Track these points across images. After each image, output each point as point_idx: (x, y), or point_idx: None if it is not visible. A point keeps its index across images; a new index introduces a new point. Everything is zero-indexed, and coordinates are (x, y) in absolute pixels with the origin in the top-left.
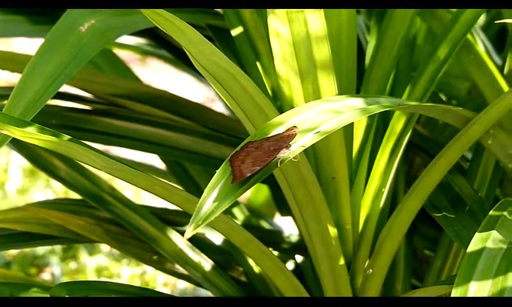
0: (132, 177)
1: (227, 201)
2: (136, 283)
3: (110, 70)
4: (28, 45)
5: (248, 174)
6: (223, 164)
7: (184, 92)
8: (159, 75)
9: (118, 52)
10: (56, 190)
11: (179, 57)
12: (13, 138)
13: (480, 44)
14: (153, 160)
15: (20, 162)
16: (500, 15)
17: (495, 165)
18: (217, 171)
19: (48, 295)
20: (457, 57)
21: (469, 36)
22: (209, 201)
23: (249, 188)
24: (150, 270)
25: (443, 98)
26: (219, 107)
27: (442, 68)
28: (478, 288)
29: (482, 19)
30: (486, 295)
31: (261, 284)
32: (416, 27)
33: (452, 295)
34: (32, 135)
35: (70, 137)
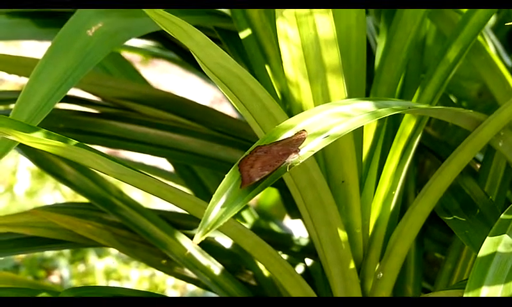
0: (140, 182)
1: (236, 207)
2: (145, 285)
3: (118, 73)
4: (36, 48)
5: (257, 179)
6: (232, 168)
7: (192, 93)
8: (167, 76)
9: (126, 53)
10: (64, 192)
11: (187, 59)
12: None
13: (491, 45)
14: (163, 163)
15: (28, 164)
16: (510, 16)
17: (506, 167)
18: (226, 175)
19: None
20: (468, 59)
21: (479, 38)
22: (218, 206)
23: (258, 193)
24: (159, 272)
25: (454, 100)
26: (227, 107)
27: (452, 70)
28: (489, 293)
29: (492, 20)
30: None
31: (271, 288)
32: (426, 29)
33: None
34: (39, 140)
35: (77, 141)
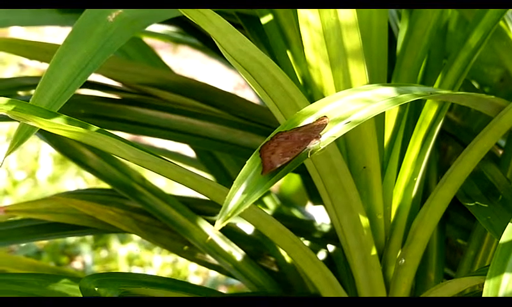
0: (161, 168)
1: (257, 193)
2: (168, 271)
3: (139, 59)
4: (58, 33)
5: (278, 165)
6: (253, 154)
7: (214, 78)
8: (189, 61)
9: (147, 39)
10: (87, 178)
11: (209, 45)
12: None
13: None
14: (186, 149)
15: (50, 150)
16: None
17: None
18: (247, 162)
19: (78, 287)
20: (490, 45)
21: (501, 23)
22: (238, 192)
23: (279, 179)
24: (181, 259)
25: (476, 85)
26: (250, 93)
27: (474, 56)
28: (511, 280)
29: None
30: None
31: (293, 274)
32: (448, 15)
33: (484, 287)
34: (59, 126)
35: (97, 127)
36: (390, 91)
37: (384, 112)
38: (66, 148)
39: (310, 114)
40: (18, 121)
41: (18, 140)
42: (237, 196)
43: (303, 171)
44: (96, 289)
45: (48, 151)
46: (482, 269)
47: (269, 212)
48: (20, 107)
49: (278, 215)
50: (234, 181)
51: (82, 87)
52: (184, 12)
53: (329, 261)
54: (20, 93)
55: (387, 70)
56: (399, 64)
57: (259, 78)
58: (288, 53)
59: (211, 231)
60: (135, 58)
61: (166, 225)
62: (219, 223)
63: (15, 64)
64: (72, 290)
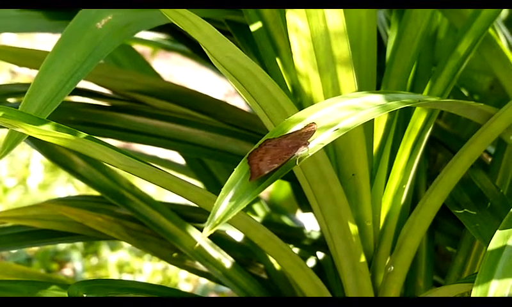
0: (149, 174)
1: (245, 200)
2: (158, 278)
3: (129, 66)
4: (50, 40)
5: (266, 172)
6: (241, 162)
7: (205, 85)
8: (180, 69)
9: (138, 46)
10: (77, 185)
11: (199, 52)
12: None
13: (503, 38)
14: (176, 157)
15: (41, 157)
16: None
17: None
18: (235, 169)
19: (67, 293)
20: (479, 52)
21: (491, 30)
22: (226, 200)
23: (267, 186)
24: (172, 266)
25: (465, 93)
26: (240, 100)
27: (463, 63)
28: (499, 287)
29: (504, 13)
30: (506, 295)
31: (282, 281)
32: (437, 22)
33: (472, 294)
34: (48, 132)
35: (86, 134)
36: (378, 98)
37: (373, 119)
38: (55, 155)
39: (299, 121)
40: (7, 128)
41: (7, 147)
42: (224, 203)
43: (292, 179)
44: (84, 296)
45: (39, 159)
46: (470, 276)
47: (258, 219)
48: (8, 113)
49: (267, 222)
50: (222, 189)
51: (71, 94)
52: (172, 19)
53: (319, 268)
54: (10, 100)
55: (376, 77)
56: (388, 72)
57: (248, 86)
58: (278, 60)
59: (200, 238)
60: (125, 65)
61: (155, 232)
62: (207, 230)
63: (6, 72)
64: (60, 296)
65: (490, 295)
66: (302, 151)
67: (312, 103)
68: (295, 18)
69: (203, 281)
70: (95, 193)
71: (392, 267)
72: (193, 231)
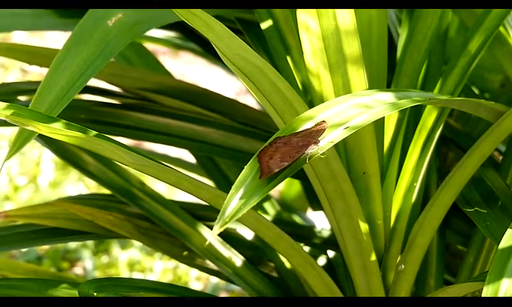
0: (160, 173)
1: (255, 198)
2: (169, 277)
3: (140, 64)
4: (60, 38)
5: (276, 170)
6: (251, 160)
7: (217, 84)
8: (191, 67)
9: (149, 45)
10: (88, 184)
11: (210, 50)
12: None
13: None
14: (187, 155)
15: (52, 155)
16: None
17: None
18: (245, 167)
19: (77, 292)
20: (490, 50)
21: (501, 29)
22: (236, 198)
23: (277, 184)
24: (182, 264)
25: (476, 91)
26: (251, 99)
27: (474, 61)
28: (510, 286)
29: None
30: None
31: (292, 280)
32: (448, 20)
33: (483, 293)
34: (58, 130)
35: (96, 132)
36: (389, 96)
37: (383, 117)
38: (66, 153)
39: (309, 119)
40: (18, 126)
41: (18, 145)
42: (234, 201)
43: (303, 177)
44: (95, 294)
45: (49, 157)
46: (481, 275)
47: (269, 217)
48: (18, 111)
49: (278, 220)
50: (232, 187)
51: (82, 92)
52: (183, 18)
53: (329, 266)
54: (21, 97)
55: (387, 75)
56: (398, 70)
57: (258, 84)
58: (288, 59)
59: (211, 236)
60: (136, 64)
61: (166, 230)
62: (217, 228)
63: (17, 70)
64: (71, 295)
65: (501, 293)
66: (312, 150)
67: (322, 101)
68: (306, 16)
69: (214, 280)
70: (106, 191)
71: (403, 266)
72: (204, 230)
